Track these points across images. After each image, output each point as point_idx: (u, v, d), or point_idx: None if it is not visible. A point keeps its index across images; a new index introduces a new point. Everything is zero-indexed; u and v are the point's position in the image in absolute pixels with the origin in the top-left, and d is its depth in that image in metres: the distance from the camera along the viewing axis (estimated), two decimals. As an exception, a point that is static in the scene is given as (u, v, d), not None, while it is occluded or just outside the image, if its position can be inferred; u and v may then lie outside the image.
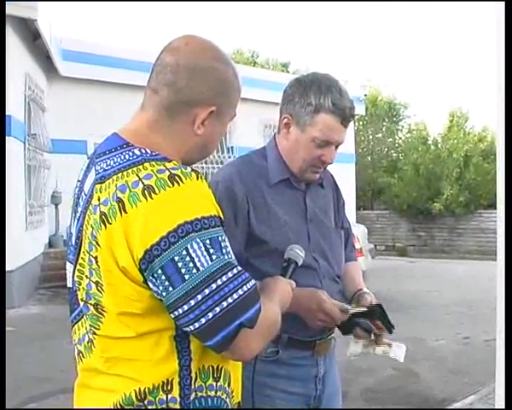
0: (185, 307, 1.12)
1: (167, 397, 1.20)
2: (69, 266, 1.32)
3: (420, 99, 42.04)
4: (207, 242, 1.13)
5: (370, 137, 22.79)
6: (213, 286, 1.12)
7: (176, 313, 1.14)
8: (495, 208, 1.90)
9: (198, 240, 1.12)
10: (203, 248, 1.12)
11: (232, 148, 13.64)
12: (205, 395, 1.24)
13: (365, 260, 8.50)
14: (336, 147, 1.84)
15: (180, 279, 1.11)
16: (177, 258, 1.11)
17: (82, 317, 1.29)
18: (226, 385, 1.28)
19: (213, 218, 1.16)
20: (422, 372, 5.38)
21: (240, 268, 1.17)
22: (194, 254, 1.12)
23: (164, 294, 1.13)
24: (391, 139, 23.05)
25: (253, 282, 1.18)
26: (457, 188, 17.84)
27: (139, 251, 1.12)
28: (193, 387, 1.22)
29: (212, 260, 1.13)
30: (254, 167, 1.86)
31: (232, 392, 1.31)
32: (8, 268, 7.37)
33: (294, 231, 1.83)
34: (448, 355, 6.08)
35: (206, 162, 12.95)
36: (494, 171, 1.92)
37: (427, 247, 18.48)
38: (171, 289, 1.12)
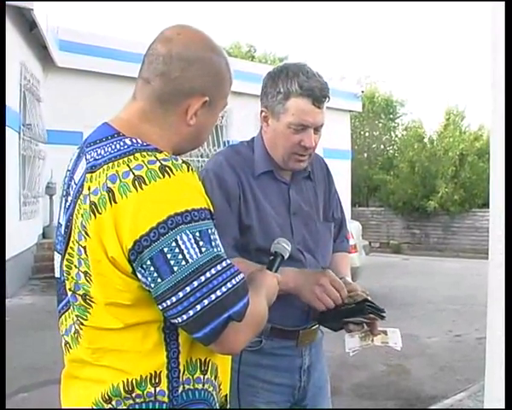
0: (173, 299, 1.11)
1: (155, 390, 1.19)
2: (57, 257, 1.31)
3: (417, 97, 42.10)
4: (197, 234, 1.13)
5: (367, 134, 22.81)
6: (202, 279, 1.12)
7: (164, 304, 1.13)
8: (489, 207, 1.90)
9: (188, 232, 1.12)
10: (192, 241, 1.12)
11: (228, 142, 13.61)
12: (192, 387, 1.23)
13: (359, 257, 8.51)
14: (316, 131, 1.82)
15: (169, 271, 1.11)
16: (166, 249, 1.11)
17: (69, 307, 1.28)
18: (213, 378, 1.28)
19: (203, 210, 1.15)
20: (414, 369, 5.39)
21: (229, 261, 1.17)
22: (183, 246, 1.11)
23: (152, 285, 1.13)
24: (387, 136, 23.08)
25: (241, 275, 1.18)
26: (452, 186, 17.85)
27: (128, 241, 1.11)
28: (181, 380, 1.22)
29: (201, 252, 1.12)
30: (241, 157, 1.88)
31: (220, 385, 1.31)
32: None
33: (278, 223, 1.83)
34: (440, 352, 6.10)
35: (202, 156, 12.94)
36: (489, 170, 1.90)
37: (422, 244, 18.49)
38: (159, 280, 1.12)
